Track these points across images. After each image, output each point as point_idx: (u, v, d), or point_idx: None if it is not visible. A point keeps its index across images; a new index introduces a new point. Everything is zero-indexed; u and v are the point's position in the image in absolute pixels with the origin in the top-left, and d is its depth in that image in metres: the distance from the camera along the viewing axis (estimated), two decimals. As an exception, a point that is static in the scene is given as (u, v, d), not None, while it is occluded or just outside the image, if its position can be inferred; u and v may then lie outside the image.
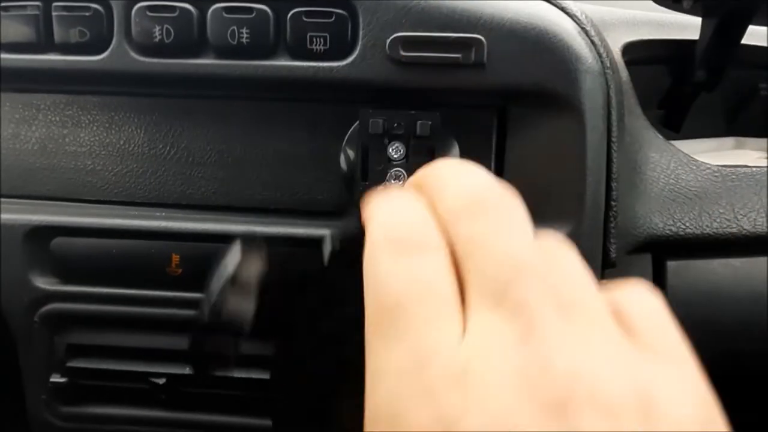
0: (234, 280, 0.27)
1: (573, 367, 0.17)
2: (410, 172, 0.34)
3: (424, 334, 0.19)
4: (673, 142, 0.42)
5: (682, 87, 0.52)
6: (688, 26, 0.51)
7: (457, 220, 0.21)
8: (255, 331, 0.27)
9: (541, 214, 0.35)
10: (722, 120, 0.55)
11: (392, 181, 0.34)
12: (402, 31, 0.34)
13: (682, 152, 0.41)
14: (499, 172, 0.37)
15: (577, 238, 0.35)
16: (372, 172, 0.35)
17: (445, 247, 0.21)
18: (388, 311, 0.20)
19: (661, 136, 0.41)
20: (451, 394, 0.17)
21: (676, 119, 0.53)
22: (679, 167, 0.41)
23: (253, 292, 0.27)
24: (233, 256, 0.28)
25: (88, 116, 0.38)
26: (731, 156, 0.53)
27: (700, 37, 0.47)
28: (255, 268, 0.27)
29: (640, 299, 0.21)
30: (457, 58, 0.33)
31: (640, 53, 0.48)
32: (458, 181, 0.23)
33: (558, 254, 0.21)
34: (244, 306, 0.27)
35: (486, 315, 0.19)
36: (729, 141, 0.54)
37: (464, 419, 0.17)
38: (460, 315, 0.19)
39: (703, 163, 0.41)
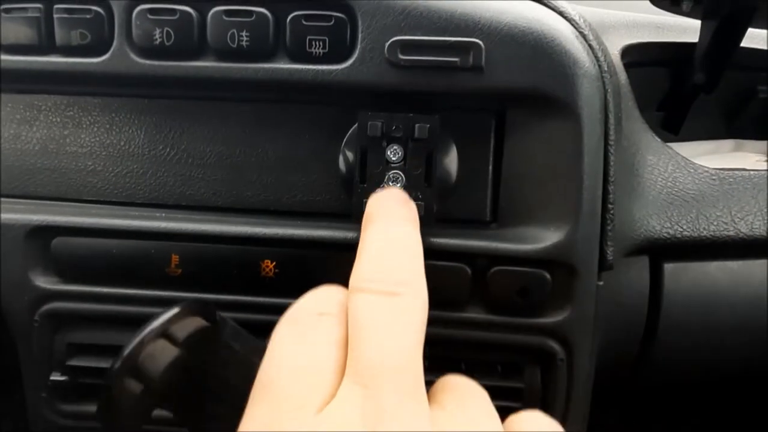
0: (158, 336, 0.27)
1: None
2: (408, 174, 0.35)
3: (283, 401, 0.21)
4: (671, 144, 0.43)
5: (680, 89, 0.52)
6: (687, 29, 0.51)
7: (354, 295, 0.23)
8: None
9: (539, 217, 0.36)
10: (721, 122, 0.55)
11: (390, 184, 0.35)
12: (400, 35, 0.34)
13: (680, 155, 0.41)
14: (497, 174, 0.37)
15: (573, 241, 0.35)
16: (370, 175, 0.35)
17: (343, 316, 0.23)
18: (265, 378, 0.22)
19: (659, 139, 0.42)
20: None
21: (675, 121, 0.53)
22: (677, 170, 0.41)
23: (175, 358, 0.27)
24: (169, 313, 0.28)
25: (89, 117, 0.39)
26: (729, 158, 0.53)
27: (700, 39, 0.47)
28: (186, 332, 0.28)
29: (537, 422, 0.23)
30: (455, 61, 0.34)
31: (639, 56, 0.48)
32: (377, 246, 0.26)
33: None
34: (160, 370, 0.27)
35: (349, 392, 0.21)
36: (727, 143, 0.54)
37: None
38: (333, 385, 0.21)
39: (701, 166, 0.41)
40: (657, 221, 0.40)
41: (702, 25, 0.46)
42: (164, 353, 0.27)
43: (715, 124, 0.55)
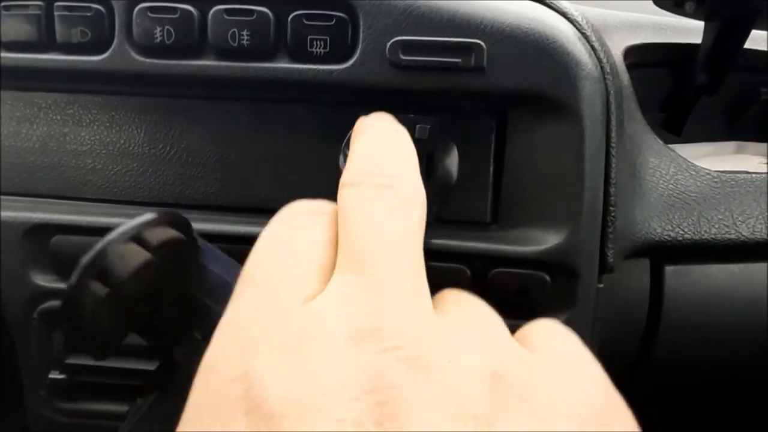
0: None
1: (409, 330, 0.17)
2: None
3: (267, 292, 0.19)
4: (673, 145, 0.42)
5: (683, 91, 0.52)
6: (690, 30, 0.51)
7: (343, 190, 0.22)
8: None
9: (539, 219, 0.36)
10: (723, 124, 0.55)
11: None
12: (402, 35, 0.34)
13: (682, 157, 0.41)
14: (498, 176, 0.37)
15: (574, 243, 0.35)
16: (370, 175, 0.35)
17: (334, 221, 0.21)
18: (248, 272, 0.20)
19: (660, 141, 0.41)
20: (270, 350, 0.17)
21: (677, 123, 0.53)
22: (679, 172, 0.41)
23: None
24: (142, 219, 0.25)
25: (89, 115, 0.39)
26: (731, 161, 0.53)
27: (703, 40, 0.47)
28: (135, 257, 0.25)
29: (546, 325, 0.21)
30: (457, 62, 0.34)
31: (642, 56, 0.48)
32: (368, 145, 0.24)
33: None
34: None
35: (341, 281, 0.19)
36: (729, 145, 0.54)
37: (272, 383, 0.16)
38: (322, 281, 0.19)
39: (703, 168, 0.41)
40: (658, 224, 0.40)
41: (705, 26, 0.46)
42: (134, 256, 0.24)
43: (717, 125, 0.55)
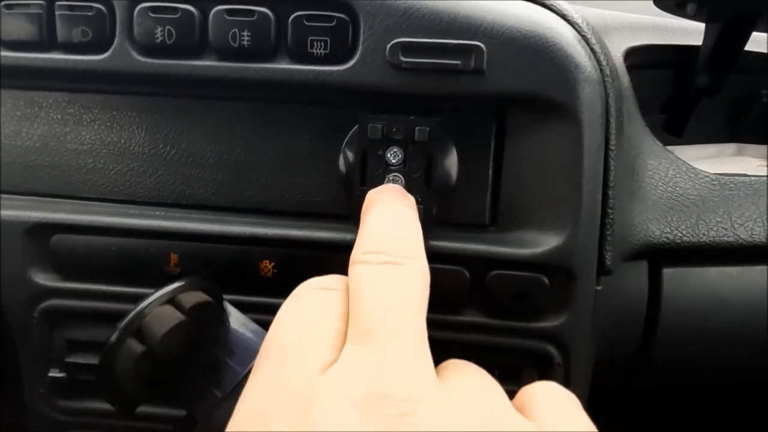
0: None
1: (413, 395, 0.19)
2: (407, 176, 0.35)
3: (286, 363, 0.21)
4: (673, 147, 0.42)
5: (684, 92, 0.52)
6: (691, 32, 0.51)
7: (355, 266, 0.24)
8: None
9: (538, 221, 0.36)
10: (724, 126, 0.55)
11: (390, 186, 0.35)
12: (402, 37, 0.34)
13: (681, 160, 0.41)
14: (497, 178, 0.37)
15: (573, 245, 0.35)
16: (370, 177, 0.35)
17: (345, 297, 0.23)
18: (269, 345, 0.22)
19: (660, 143, 0.41)
20: (284, 419, 0.19)
21: (678, 124, 0.53)
22: (678, 175, 0.41)
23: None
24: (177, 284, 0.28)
25: (90, 115, 0.39)
26: (731, 163, 0.53)
27: (704, 42, 0.47)
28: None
29: (545, 388, 0.23)
30: (457, 64, 0.34)
31: (642, 58, 0.48)
32: (378, 222, 0.26)
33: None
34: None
35: (351, 352, 0.20)
36: (730, 147, 0.54)
37: None
38: (335, 351, 0.21)
39: (702, 171, 0.41)
40: (657, 226, 0.40)
41: (706, 28, 0.46)
42: (169, 317, 0.27)
43: (718, 127, 0.55)
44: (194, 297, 0.28)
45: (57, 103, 0.39)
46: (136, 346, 0.27)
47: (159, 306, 0.27)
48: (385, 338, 0.20)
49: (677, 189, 0.40)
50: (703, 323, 0.41)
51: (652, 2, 0.46)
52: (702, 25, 0.46)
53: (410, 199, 0.30)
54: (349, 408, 0.18)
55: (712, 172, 0.41)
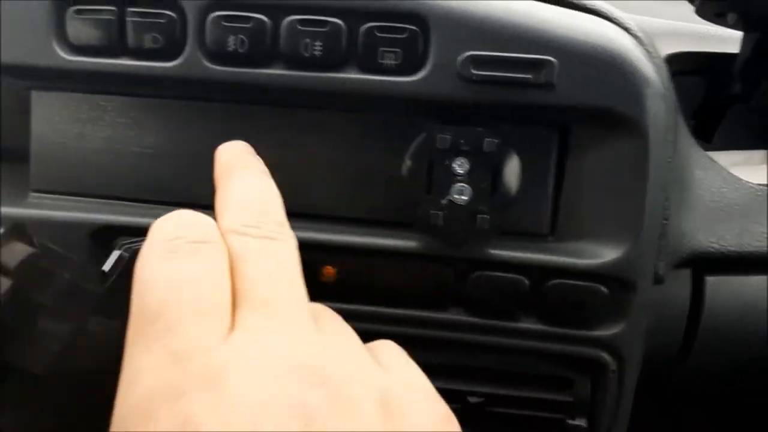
0: None
1: (323, 368, 0.20)
2: (473, 186, 0.35)
3: (182, 333, 0.20)
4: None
5: (716, 98, 0.52)
6: (726, 39, 0.51)
7: (234, 235, 0.24)
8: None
9: (597, 232, 0.36)
10: (753, 132, 0.56)
11: (455, 196, 0.35)
12: (473, 50, 0.34)
13: (726, 170, 0.42)
14: (558, 189, 0.37)
15: (633, 257, 0.36)
16: (435, 186, 0.36)
17: (223, 245, 0.23)
18: (150, 312, 0.20)
19: (707, 154, 0.42)
20: (201, 393, 0.18)
21: (708, 130, 0.54)
22: (724, 185, 0.42)
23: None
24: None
25: (154, 119, 0.39)
26: (760, 170, 0.53)
27: (741, 50, 0.48)
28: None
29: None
30: (528, 78, 0.34)
31: (680, 65, 0.48)
32: (242, 193, 0.26)
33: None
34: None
35: (252, 320, 0.21)
36: (758, 155, 0.55)
37: (209, 420, 0.17)
38: (230, 316, 0.21)
39: (747, 182, 0.42)
40: (703, 235, 0.41)
41: (744, 37, 0.47)
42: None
43: (747, 133, 0.56)
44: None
45: (122, 106, 0.39)
46: None
47: None
48: (286, 309, 0.21)
49: (723, 199, 0.41)
50: (744, 330, 0.42)
51: (690, 10, 0.47)
52: (737, 33, 0.47)
53: (262, 161, 0.30)
54: (268, 377, 0.18)
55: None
